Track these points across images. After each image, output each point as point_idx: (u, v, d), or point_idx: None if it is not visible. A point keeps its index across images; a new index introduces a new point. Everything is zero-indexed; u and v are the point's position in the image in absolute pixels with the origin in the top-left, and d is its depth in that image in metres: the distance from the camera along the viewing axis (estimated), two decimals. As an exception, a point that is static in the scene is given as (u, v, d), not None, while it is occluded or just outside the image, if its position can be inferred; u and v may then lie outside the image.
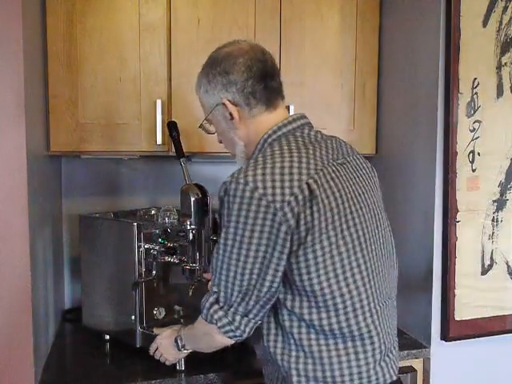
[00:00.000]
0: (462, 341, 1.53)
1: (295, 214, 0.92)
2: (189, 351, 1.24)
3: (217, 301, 1.00)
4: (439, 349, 1.53)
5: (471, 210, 1.51)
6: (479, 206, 1.52)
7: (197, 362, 1.38)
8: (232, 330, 0.99)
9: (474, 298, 1.53)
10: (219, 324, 0.99)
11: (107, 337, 1.54)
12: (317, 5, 1.66)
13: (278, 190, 0.91)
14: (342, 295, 0.97)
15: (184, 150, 1.45)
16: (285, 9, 1.62)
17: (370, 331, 1.00)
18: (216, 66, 1.06)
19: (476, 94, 1.49)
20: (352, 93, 1.72)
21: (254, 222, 0.92)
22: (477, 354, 1.57)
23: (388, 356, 1.05)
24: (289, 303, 0.99)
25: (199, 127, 1.17)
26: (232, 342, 1.03)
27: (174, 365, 1.35)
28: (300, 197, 0.92)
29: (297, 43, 1.65)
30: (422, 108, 1.55)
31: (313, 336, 0.99)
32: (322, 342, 0.99)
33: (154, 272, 1.46)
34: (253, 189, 0.91)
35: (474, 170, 1.50)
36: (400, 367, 1.52)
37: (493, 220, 1.54)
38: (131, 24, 1.50)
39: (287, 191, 0.92)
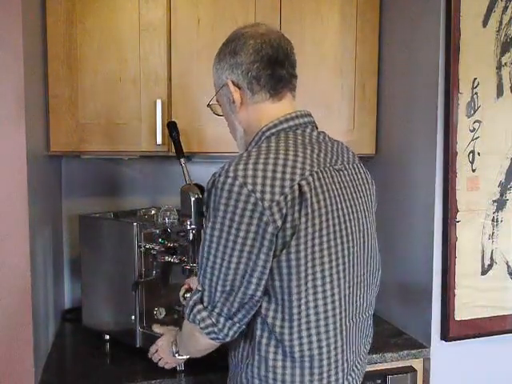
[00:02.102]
0: (462, 341, 1.53)
1: (283, 215, 0.87)
2: (184, 358, 1.22)
3: (201, 300, 0.95)
4: (439, 349, 1.53)
5: (471, 209, 1.51)
6: (479, 205, 1.52)
7: (197, 362, 1.38)
8: (215, 332, 0.95)
9: (474, 298, 1.53)
10: (202, 325, 0.95)
11: (107, 337, 1.54)
12: (317, 4, 1.66)
13: (267, 188, 0.87)
14: (316, 307, 0.93)
15: (184, 150, 1.45)
16: (285, 8, 1.62)
17: (329, 351, 0.96)
18: (228, 45, 1.03)
19: (476, 94, 1.49)
20: (352, 93, 1.72)
21: (241, 219, 0.87)
22: (477, 354, 1.57)
23: (351, 375, 1.02)
24: (263, 310, 0.94)
25: (207, 106, 1.15)
26: (217, 345, 0.99)
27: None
28: (289, 197, 0.88)
29: (297, 43, 1.62)
30: (422, 108, 1.55)
31: (279, 357, 0.95)
32: (284, 363, 0.96)
33: (154, 272, 1.46)
34: (242, 184, 0.87)
35: (473, 170, 1.50)
36: (400, 367, 1.53)
37: (493, 220, 1.54)
38: (131, 24, 1.50)
39: (277, 190, 0.87)
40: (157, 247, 1.44)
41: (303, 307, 0.92)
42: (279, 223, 0.87)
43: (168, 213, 1.50)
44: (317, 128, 1.06)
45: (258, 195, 0.87)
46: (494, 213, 1.54)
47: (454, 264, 1.50)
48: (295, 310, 0.92)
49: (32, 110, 1.24)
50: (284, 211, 0.87)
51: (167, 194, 1.85)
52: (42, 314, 1.35)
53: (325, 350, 0.95)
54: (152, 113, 1.51)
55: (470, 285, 1.52)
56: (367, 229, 1.04)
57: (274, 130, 1.00)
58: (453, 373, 1.57)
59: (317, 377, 0.96)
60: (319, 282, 0.93)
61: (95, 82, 1.48)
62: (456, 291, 1.50)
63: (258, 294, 0.91)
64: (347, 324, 0.99)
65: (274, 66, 1.01)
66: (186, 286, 1.34)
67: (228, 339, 0.96)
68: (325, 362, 0.96)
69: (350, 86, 1.72)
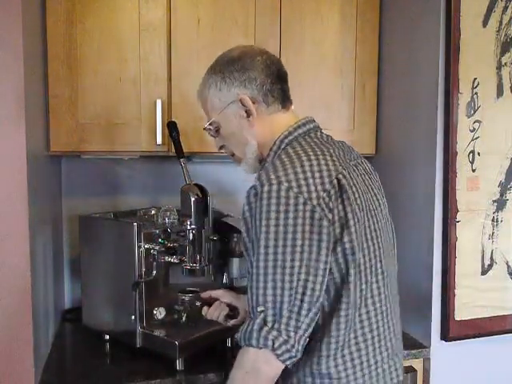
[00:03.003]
0: (462, 341, 1.53)
1: (331, 210, 0.90)
2: None
3: (265, 322, 0.89)
4: (439, 349, 1.53)
5: (471, 209, 1.51)
6: (479, 205, 1.52)
7: (197, 362, 1.38)
8: (288, 350, 0.88)
9: (474, 298, 1.53)
10: (276, 344, 0.87)
11: (107, 337, 1.54)
12: (317, 4, 1.66)
13: (312, 187, 0.90)
14: (367, 297, 0.97)
15: (184, 150, 1.45)
16: (285, 9, 1.62)
17: (379, 334, 1.00)
18: (233, 64, 1.05)
19: (476, 94, 1.49)
20: (352, 93, 1.72)
21: (295, 221, 0.88)
22: (477, 354, 1.57)
23: (393, 359, 1.04)
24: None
25: (204, 129, 1.14)
26: (280, 370, 0.91)
27: (174, 365, 1.35)
28: (332, 191, 0.91)
29: (297, 43, 1.65)
30: (422, 108, 1.55)
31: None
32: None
33: (154, 272, 1.46)
34: (288, 188, 0.89)
35: (473, 170, 1.50)
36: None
37: (493, 220, 1.54)
38: (131, 24, 1.50)
39: (320, 187, 0.90)
40: (157, 247, 1.44)
41: (354, 295, 0.95)
42: (330, 217, 0.90)
43: (168, 213, 1.50)
44: (322, 131, 1.10)
45: (306, 195, 0.89)
46: (494, 213, 1.54)
47: (454, 264, 1.50)
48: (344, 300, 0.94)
49: (32, 110, 1.24)
50: (331, 205, 0.91)
51: (167, 194, 1.85)
52: (41, 314, 1.35)
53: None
54: (152, 113, 1.51)
55: (470, 285, 1.52)
56: (386, 215, 1.10)
57: (291, 137, 1.04)
58: (453, 373, 1.57)
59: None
60: (367, 270, 0.97)
61: (95, 82, 1.48)
62: (456, 291, 1.50)
63: (323, 292, 0.91)
64: (387, 306, 1.02)
65: (281, 81, 1.08)
66: (224, 312, 1.27)
67: (299, 355, 0.90)
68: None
69: (349, 86, 1.72)
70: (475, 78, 1.48)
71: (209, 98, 1.10)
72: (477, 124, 1.49)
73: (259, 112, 1.05)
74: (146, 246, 1.43)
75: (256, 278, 0.90)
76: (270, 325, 0.88)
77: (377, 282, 0.99)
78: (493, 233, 1.54)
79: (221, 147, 1.16)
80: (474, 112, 1.49)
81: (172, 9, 1.52)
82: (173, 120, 1.47)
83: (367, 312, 0.98)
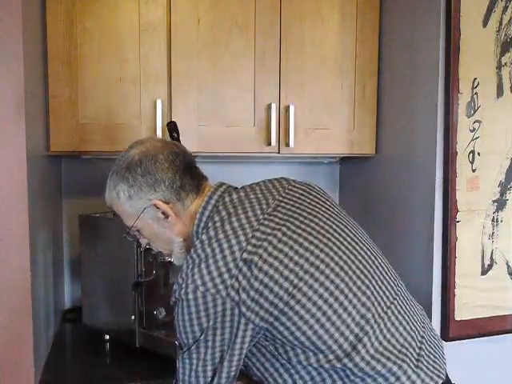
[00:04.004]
0: (462, 341, 1.53)
1: (244, 293, 0.89)
2: None
3: None
4: (439, 349, 1.53)
5: (471, 210, 1.51)
6: (479, 205, 1.52)
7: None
8: None
9: (474, 298, 1.53)
10: None
11: (107, 337, 1.54)
12: (317, 5, 1.66)
13: (217, 280, 0.90)
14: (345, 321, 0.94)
15: (184, 150, 1.45)
16: (285, 9, 1.62)
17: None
18: (135, 169, 1.02)
19: (476, 94, 1.49)
20: (352, 93, 1.72)
21: (206, 318, 0.90)
22: (477, 354, 1.57)
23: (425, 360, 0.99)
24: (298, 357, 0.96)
25: (124, 237, 1.12)
26: None
27: (174, 365, 1.35)
28: (240, 277, 0.90)
29: (297, 43, 1.64)
30: (422, 108, 1.55)
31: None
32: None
33: (153, 272, 1.46)
34: (194, 289, 0.90)
35: (474, 170, 1.50)
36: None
37: (493, 220, 1.54)
38: (131, 24, 1.50)
39: (226, 276, 0.90)
40: (157, 247, 1.44)
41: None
42: (245, 301, 0.90)
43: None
44: (232, 191, 1.06)
45: (213, 290, 0.90)
46: (494, 213, 1.54)
47: (454, 264, 1.50)
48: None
49: (32, 110, 1.24)
50: (244, 287, 0.90)
51: (167, 194, 1.85)
52: (41, 314, 1.35)
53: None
54: (152, 113, 1.51)
55: (470, 285, 1.52)
56: (342, 222, 1.05)
57: (202, 224, 1.02)
58: (453, 373, 1.56)
59: None
60: (331, 299, 0.94)
61: (95, 82, 1.48)
62: (456, 291, 1.50)
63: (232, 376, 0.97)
64: (382, 315, 0.99)
65: (189, 170, 1.05)
66: None
67: None
68: None
69: (350, 86, 1.72)
70: (475, 78, 1.48)
71: (120, 206, 1.07)
72: (477, 124, 1.49)
73: (176, 210, 1.03)
74: (146, 246, 1.43)
75: (182, 377, 0.98)
76: None
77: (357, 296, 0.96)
78: (493, 233, 1.54)
79: (147, 245, 1.16)
80: (474, 112, 1.49)
81: (172, 9, 1.52)
82: (173, 120, 1.47)
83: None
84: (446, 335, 1.51)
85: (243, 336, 0.93)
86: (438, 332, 1.52)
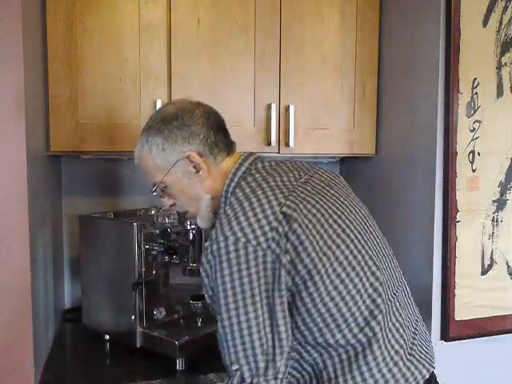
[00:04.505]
0: (462, 341, 1.53)
1: (283, 246, 0.90)
2: None
3: (242, 379, 0.89)
4: (439, 349, 1.53)
5: (471, 210, 1.51)
6: (479, 205, 1.52)
7: (197, 362, 1.38)
8: None
9: (474, 298, 1.53)
10: None
11: (107, 337, 1.54)
12: (317, 5, 1.66)
13: (258, 232, 0.90)
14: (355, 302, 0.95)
15: (184, 150, 1.45)
16: (285, 9, 1.62)
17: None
18: (171, 121, 1.04)
19: (476, 94, 1.49)
20: (352, 93, 1.72)
21: (249, 271, 0.88)
22: (477, 354, 1.57)
23: (415, 352, 1.02)
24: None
25: (152, 192, 1.10)
26: None
27: (174, 365, 1.35)
28: (280, 229, 0.91)
29: (297, 43, 1.65)
30: (422, 108, 1.55)
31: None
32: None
33: (153, 272, 1.46)
34: (235, 241, 0.89)
35: (474, 170, 1.50)
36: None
37: (493, 220, 1.54)
38: (131, 24, 1.50)
39: (267, 228, 0.90)
40: (157, 247, 1.44)
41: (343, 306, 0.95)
42: (282, 256, 0.90)
43: (168, 213, 1.50)
44: (263, 160, 1.10)
45: (254, 242, 0.89)
46: (494, 213, 1.54)
47: (454, 264, 1.50)
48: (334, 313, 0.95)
49: (32, 109, 1.24)
50: (283, 241, 0.90)
51: (167, 194, 1.85)
52: (41, 314, 1.35)
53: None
54: (152, 113, 1.50)
55: (470, 285, 1.52)
56: (360, 211, 1.07)
57: (234, 184, 1.04)
58: (453, 373, 1.57)
59: None
60: (347, 280, 0.96)
61: (95, 82, 1.48)
62: (456, 291, 1.50)
63: (289, 334, 0.91)
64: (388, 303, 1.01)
65: (222, 130, 1.09)
66: None
67: None
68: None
69: (350, 86, 1.72)
70: (475, 78, 1.48)
71: (151, 160, 1.07)
72: (477, 124, 1.49)
73: (208, 165, 1.05)
74: (146, 246, 1.43)
75: (224, 337, 0.91)
76: (248, 381, 0.88)
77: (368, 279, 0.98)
78: (493, 233, 1.54)
79: (171, 205, 1.14)
80: (474, 112, 1.49)
81: (172, 9, 1.52)
82: (173, 120, 1.47)
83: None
84: (446, 335, 1.51)
85: (282, 289, 0.90)
86: (437, 332, 1.52)
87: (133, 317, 1.43)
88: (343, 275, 0.94)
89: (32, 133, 1.23)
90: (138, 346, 1.44)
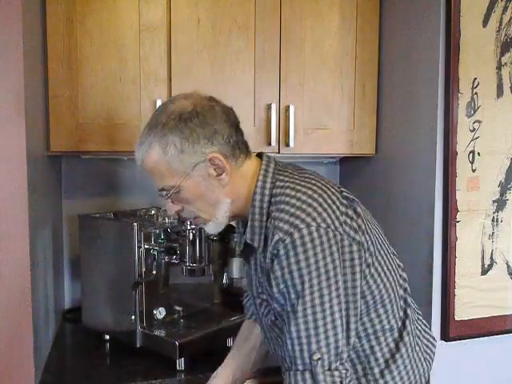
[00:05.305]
0: (462, 341, 1.53)
1: (356, 229, 0.92)
2: None
3: (329, 367, 0.88)
4: (439, 349, 1.52)
5: (471, 210, 1.51)
6: (479, 205, 1.52)
7: (197, 361, 1.38)
8: (351, 379, 0.92)
9: (474, 298, 1.53)
10: (345, 382, 0.89)
11: (107, 337, 1.54)
12: (317, 5, 1.66)
13: (333, 216, 0.90)
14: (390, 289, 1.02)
15: (184, 150, 1.45)
16: (285, 9, 1.62)
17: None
18: (191, 119, 0.91)
19: (476, 94, 1.49)
20: (352, 93, 1.72)
21: (332, 257, 0.87)
22: (477, 354, 1.57)
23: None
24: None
25: (166, 197, 0.97)
26: None
27: (174, 365, 1.35)
28: (349, 211, 0.93)
29: (297, 43, 1.64)
30: (422, 108, 1.55)
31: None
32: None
33: (153, 272, 1.46)
34: (317, 226, 0.87)
35: (473, 170, 1.50)
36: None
37: (493, 220, 1.54)
38: (131, 24, 1.49)
39: (338, 213, 0.91)
40: (157, 247, 1.44)
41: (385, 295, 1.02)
42: (358, 238, 0.92)
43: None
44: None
45: (333, 227, 0.89)
46: (494, 213, 1.54)
47: (454, 264, 1.50)
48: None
49: (32, 110, 1.24)
50: (355, 224, 0.93)
51: (167, 194, 1.85)
52: (41, 314, 1.35)
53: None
54: (152, 113, 1.50)
55: (470, 285, 1.52)
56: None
57: (268, 185, 0.96)
58: (453, 373, 1.57)
59: None
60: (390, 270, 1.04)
61: (95, 81, 1.48)
62: (456, 291, 1.50)
63: (358, 318, 0.95)
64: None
65: (240, 129, 1.00)
66: None
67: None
68: None
69: (350, 86, 1.72)
70: (475, 78, 1.48)
71: (165, 162, 0.93)
72: (477, 124, 1.50)
73: (231, 167, 0.95)
74: (145, 246, 1.43)
75: (305, 326, 0.88)
76: (333, 367, 0.89)
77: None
78: (493, 233, 1.54)
79: (178, 212, 1.00)
80: (474, 112, 1.49)
81: (172, 9, 1.52)
82: (173, 120, 1.47)
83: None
84: (446, 335, 1.51)
85: (360, 278, 0.92)
86: (438, 332, 1.52)
87: (133, 317, 1.43)
88: (387, 262, 1.01)
89: (32, 133, 1.23)
90: (138, 346, 1.44)
